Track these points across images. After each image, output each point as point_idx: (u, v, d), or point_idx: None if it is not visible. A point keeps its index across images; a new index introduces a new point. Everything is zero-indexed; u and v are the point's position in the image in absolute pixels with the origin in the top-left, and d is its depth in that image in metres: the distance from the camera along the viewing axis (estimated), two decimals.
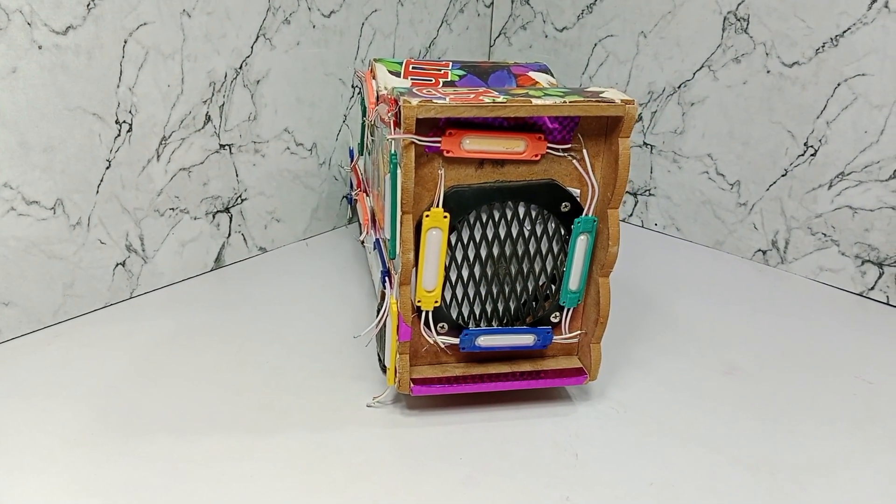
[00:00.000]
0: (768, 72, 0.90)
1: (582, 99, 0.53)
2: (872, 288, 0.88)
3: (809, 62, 0.87)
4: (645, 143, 1.04)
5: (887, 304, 0.87)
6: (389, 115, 0.55)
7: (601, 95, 0.55)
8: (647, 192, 1.06)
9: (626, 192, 1.08)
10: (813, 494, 0.55)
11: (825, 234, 0.90)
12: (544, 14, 1.09)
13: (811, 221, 0.91)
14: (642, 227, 1.08)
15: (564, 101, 0.53)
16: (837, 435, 0.62)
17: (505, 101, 0.53)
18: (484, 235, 0.58)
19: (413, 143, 0.52)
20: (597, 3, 1.03)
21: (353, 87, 0.95)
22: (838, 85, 0.86)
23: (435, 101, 0.51)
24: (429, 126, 0.54)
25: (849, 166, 0.87)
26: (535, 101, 0.53)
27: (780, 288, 0.90)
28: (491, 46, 1.17)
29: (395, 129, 0.54)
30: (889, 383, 0.71)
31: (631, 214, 1.09)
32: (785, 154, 0.92)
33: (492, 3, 1.14)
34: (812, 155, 0.89)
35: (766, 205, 0.95)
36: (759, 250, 0.97)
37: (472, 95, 0.54)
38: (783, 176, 0.92)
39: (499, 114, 0.52)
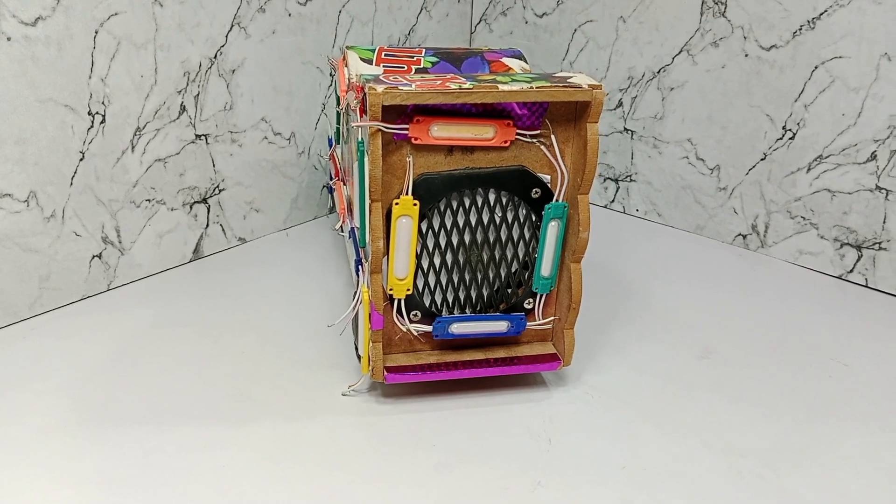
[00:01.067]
0: (746, 55, 0.90)
1: (549, 84, 0.53)
2: (851, 270, 0.89)
3: (787, 45, 0.87)
4: (625, 129, 1.04)
5: (866, 286, 0.88)
6: (356, 102, 0.55)
7: (569, 80, 0.55)
8: (628, 178, 1.06)
9: (608, 177, 1.08)
10: (785, 477, 0.55)
11: (804, 218, 0.91)
12: (524, 0, 1.09)
13: (790, 205, 0.91)
14: (624, 212, 1.08)
15: (531, 87, 0.53)
16: (811, 417, 0.63)
17: (471, 87, 0.52)
18: (455, 223, 0.58)
19: (380, 130, 0.52)
20: None
21: (330, 75, 0.94)
22: (815, 68, 0.86)
23: (401, 87, 0.51)
24: (396, 113, 0.53)
25: (827, 149, 0.87)
26: (501, 87, 0.53)
27: (759, 272, 0.90)
28: (472, 33, 1.17)
29: (361, 117, 0.53)
30: (864, 365, 0.71)
31: (613, 200, 1.09)
32: (764, 138, 0.92)
33: None
34: (790, 139, 0.89)
35: (746, 189, 0.95)
36: (740, 234, 0.97)
37: (439, 82, 0.53)
38: (762, 160, 0.92)
39: (465, 100, 0.52)
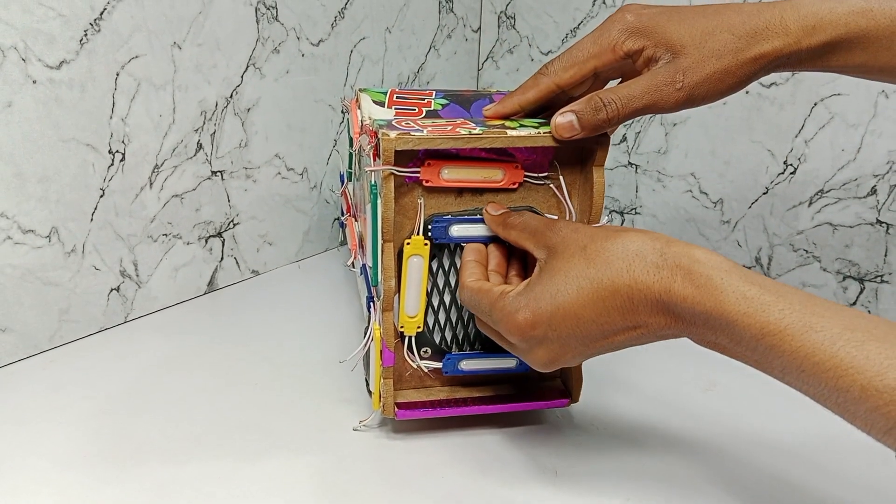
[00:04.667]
0: (747, 92, 0.92)
1: None
2: (854, 303, 0.90)
3: (787, 82, 0.89)
4: (630, 163, 1.06)
5: None
6: (369, 147, 0.57)
7: None
8: (633, 211, 1.08)
9: (613, 210, 1.10)
10: None
11: (807, 251, 0.92)
12: (530, 38, 1.11)
13: (793, 238, 0.93)
14: None
15: (539, 132, 0.55)
16: (815, 451, 0.64)
17: (481, 132, 0.54)
18: None
19: (392, 174, 0.54)
20: (580, 26, 1.05)
21: (342, 112, 0.97)
22: (815, 104, 0.88)
23: (413, 133, 0.53)
24: (408, 157, 0.56)
25: (828, 184, 0.89)
26: (510, 133, 0.55)
27: None
28: (479, 70, 1.20)
29: (374, 161, 0.56)
30: None
31: None
32: (766, 172, 0.94)
33: (479, 28, 1.17)
34: (791, 173, 0.91)
35: (749, 222, 0.96)
36: (744, 267, 0.98)
37: (450, 127, 0.56)
38: (764, 194, 0.94)
39: (475, 145, 0.54)
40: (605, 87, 0.55)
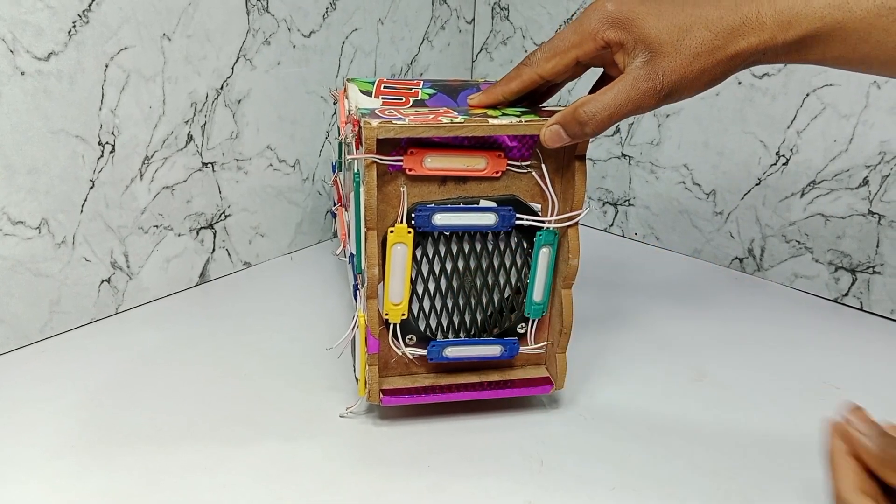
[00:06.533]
0: (739, 83, 0.92)
1: (538, 118, 0.56)
2: (846, 294, 0.90)
3: (779, 73, 0.89)
4: (623, 155, 1.06)
5: (861, 309, 0.89)
6: (352, 135, 0.57)
7: None
8: (626, 203, 1.08)
9: (607, 202, 1.10)
10: (772, 499, 0.57)
11: (799, 242, 0.92)
12: (524, 29, 1.11)
13: (785, 229, 0.93)
14: (623, 236, 1.09)
15: (520, 121, 0.55)
16: (801, 439, 0.64)
17: (463, 121, 0.55)
18: (448, 250, 0.60)
19: (374, 162, 0.54)
20: (573, 17, 1.05)
21: (333, 104, 0.97)
22: (807, 95, 0.88)
23: (395, 122, 0.53)
24: (391, 146, 0.56)
25: (820, 175, 0.89)
26: (491, 121, 0.55)
27: (756, 295, 0.92)
28: (473, 62, 1.20)
29: (357, 149, 0.56)
30: (855, 387, 0.72)
31: (612, 224, 1.11)
32: (758, 163, 0.93)
33: (473, 19, 1.17)
34: (784, 164, 0.91)
35: (742, 213, 0.96)
36: (736, 258, 0.98)
37: (432, 116, 0.56)
38: (757, 185, 0.94)
39: (457, 133, 0.55)
40: (587, 94, 0.55)
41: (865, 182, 0.85)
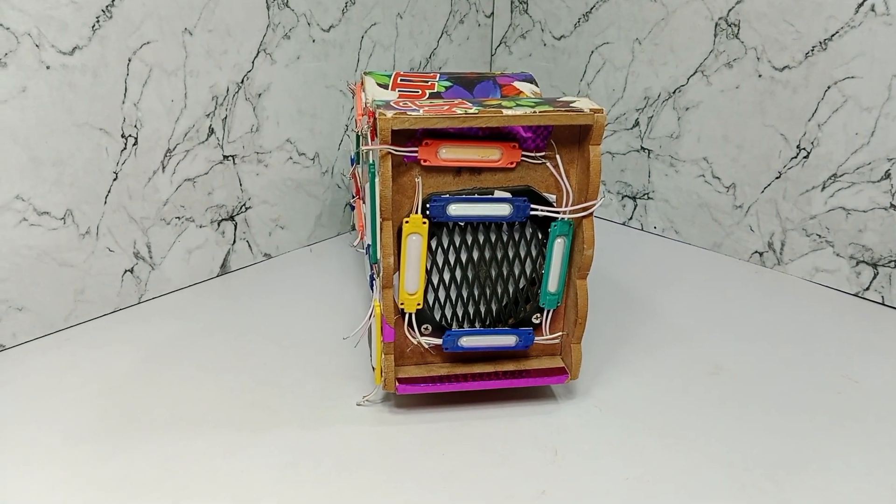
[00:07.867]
0: (760, 76, 0.91)
1: (551, 109, 0.56)
2: (867, 288, 0.89)
3: (799, 66, 0.88)
4: (643, 148, 1.06)
5: (882, 304, 0.88)
6: (367, 126, 0.58)
7: (572, 105, 0.57)
8: (645, 196, 1.07)
9: (626, 195, 1.10)
10: (787, 491, 0.57)
11: (820, 236, 0.91)
12: (542, 23, 1.11)
13: (805, 223, 0.92)
14: (642, 230, 1.09)
15: (535, 111, 0.55)
16: (816, 433, 0.64)
17: (476, 112, 0.55)
18: (463, 240, 0.60)
19: (389, 153, 0.55)
20: (593, 11, 1.05)
21: (352, 97, 0.98)
22: (828, 88, 0.87)
23: (409, 113, 0.54)
24: (406, 136, 0.56)
25: (841, 168, 0.88)
26: (505, 112, 0.55)
27: (775, 289, 0.91)
28: (492, 56, 1.20)
29: (372, 140, 0.56)
30: (874, 382, 0.71)
31: (631, 218, 1.10)
32: (778, 157, 0.93)
33: (492, 13, 1.17)
34: (805, 157, 0.90)
35: (762, 207, 0.96)
36: (756, 252, 0.98)
37: (447, 107, 0.56)
38: (777, 178, 0.93)
39: (471, 124, 0.55)
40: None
41: (887, 175, 0.84)
